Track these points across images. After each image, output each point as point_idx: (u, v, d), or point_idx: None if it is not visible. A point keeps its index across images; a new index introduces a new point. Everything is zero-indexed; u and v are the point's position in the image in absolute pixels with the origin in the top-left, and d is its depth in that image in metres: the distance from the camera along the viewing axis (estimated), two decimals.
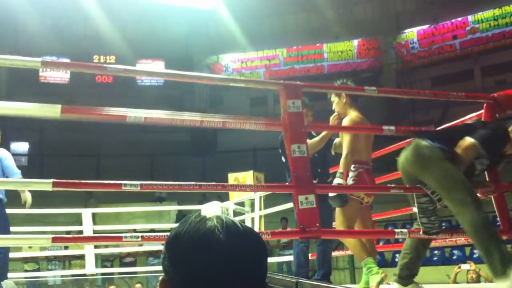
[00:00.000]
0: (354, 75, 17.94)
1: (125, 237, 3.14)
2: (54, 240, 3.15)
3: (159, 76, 3.99)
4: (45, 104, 3.12)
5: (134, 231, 10.50)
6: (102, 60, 17.62)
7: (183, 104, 17.40)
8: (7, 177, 4.96)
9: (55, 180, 2.93)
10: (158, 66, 18.03)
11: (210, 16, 18.29)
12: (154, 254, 10.60)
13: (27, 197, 5.22)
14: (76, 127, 14.14)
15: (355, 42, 18.75)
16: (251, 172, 8.14)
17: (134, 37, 17.59)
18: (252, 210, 6.94)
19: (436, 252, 9.99)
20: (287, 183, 4.18)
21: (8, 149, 17.86)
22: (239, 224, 0.98)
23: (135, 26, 18.07)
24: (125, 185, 3.05)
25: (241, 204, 7.37)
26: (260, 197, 6.40)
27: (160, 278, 0.96)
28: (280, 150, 4.58)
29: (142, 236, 3.11)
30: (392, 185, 3.94)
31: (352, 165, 3.83)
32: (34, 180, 3.12)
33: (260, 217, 6.50)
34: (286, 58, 18.85)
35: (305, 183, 3.12)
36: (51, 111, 3.06)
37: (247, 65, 18.92)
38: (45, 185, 2.96)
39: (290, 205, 5.64)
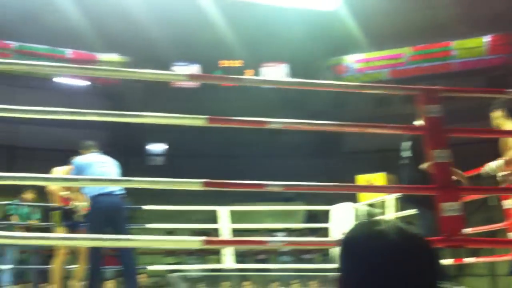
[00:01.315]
0: (485, 73, 16.97)
1: (270, 241, 3.29)
2: (205, 242, 3.38)
3: (295, 86, 4.14)
4: (192, 115, 3.40)
5: (267, 230, 10.88)
6: (228, 65, 18.33)
7: (306, 105, 17.56)
8: None
9: (206, 180, 3.18)
10: (282, 69, 18.38)
11: (332, 17, 18.25)
12: (287, 253, 10.88)
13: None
14: (211, 129, 14.82)
15: (486, 38, 17.73)
16: (382, 174, 8.05)
17: (258, 41, 18.04)
18: (384, 213, 6.90)
19: None
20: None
21: (145, 150, 19.05)
22: (409, 229, 1.04)
23: (259, 30, 18.49)
24: (268, 185, 3.22)
25: (372, 206, 7.35)
26: (395, 199, 6.34)
27: (336, 274, 1.04)
28: (409, 142, 4.50)
29: (285, 242, 3.25)
30: None
31: None
32: (187, 180, 3.33)
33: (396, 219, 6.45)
34: (412, 57, 18.31)
35: (449, 190, 3.11)
36: (199, 121, 3.33)
37: (371, 65, 18.66)
38: (196, 185, 3.23)
39: None
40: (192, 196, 12.72)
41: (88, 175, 4.96)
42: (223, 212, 7.77)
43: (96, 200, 5.16)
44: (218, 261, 10.26)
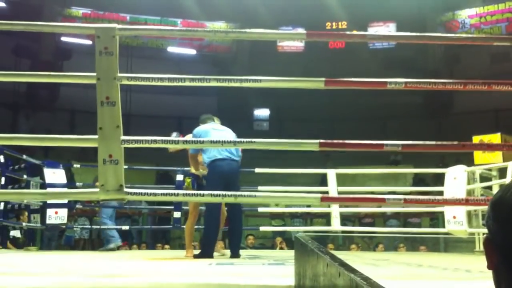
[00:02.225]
0: None
1: (388, 199, 3.29)
2: (322, 199, 3.46)
3: (418, 40, 4.02)
4: (309, 78, 3.44)
5: (372, 193, 10.77)
6: (334, 27, 18.03)
7: (416, 65, 16.91)
8: None
9: (321, 140, 3.18)
10: (390, 28, 17.78)
11: None
12: (394, 216, 10.73)
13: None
14: (313, 92, 14.76)
15: None
16: (498, 134, 7.63)
17: (364, 1, 17.56)
18: (501, 177, 6.58)
19: None
20: None
21: (251, 115, 19.53)
22: None
23: None
24: (387, 145, 3.19)
25: (488, 169, 7.04)
26: None
27: (484, 236, 0.99)
28: None
29: (404, 199, 3.23)
30: None
31: None
32: (303, 141, 3.32)
33: None
34: None
35: None
36: (315, 84, 3.37)
37: (487, 20, 17.45)
38: (312, 145, 3.23)
39: None
40: (303, 160, 12.91)
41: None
42: (331, 175, 7.83)
43: (214, 165, 5.38)
44: (322, 224, 10.41)
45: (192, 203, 5.78)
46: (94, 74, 3.03)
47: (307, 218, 11.64)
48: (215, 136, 5.25)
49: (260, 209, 8.44)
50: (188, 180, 6.01)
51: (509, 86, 3.25)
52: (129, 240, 10.20)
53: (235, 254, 5.47)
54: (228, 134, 5.52)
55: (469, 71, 15.07)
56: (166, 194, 3.13)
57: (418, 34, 3.57)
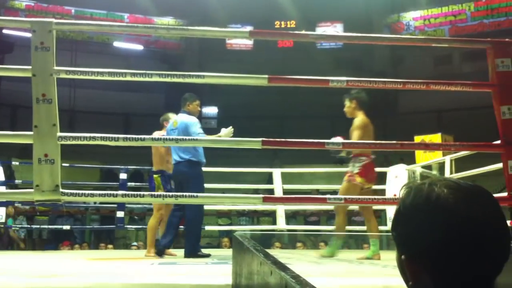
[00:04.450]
0: None
1: (329, 199, 3.33)
2: (265, 199, 3.46)
3: (362, 41, 4.07)
4: (253, 75, 3.44)
5: (317, 191, 10.90)
6: (283, 26, 18.15)
7: (362, 65, 17.24)
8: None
9: (264, 139, 3.16)
10: (337, 28, 18.06)
11: None
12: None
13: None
14: (261, 90, 14.76)
15: None
16: (438, 134, 7.90)
17: (312, 1, 17.76)
18: (441, 174, 6.80)
19: None
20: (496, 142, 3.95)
21: (199, 113, 19.30)
22: (469, 186, 0.88)
23: None
24: (328, 143, 3.24)
25: (428, 168, 7.26)
26: (451, 160, 6.22)
27: (403, 257, 0.88)
28: None
29: (345, 199, 3.29)
30: None
31: (361, 157, 4.80)
32: (246, 139, 3.33)
33: None
34: (474, 13, 17.48)
35: None
36: (259, 81, 3.37)
37: (430, 23, 17.99)
38: (255, 143, 3.20)
39: (484, 169, 5.47)
40: (251, 158, 12.93)
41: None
42: (277, 174, 7.88)
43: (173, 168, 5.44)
44: (268, 222, 10.46)
45: (156, 204, 5.74)
46: (30, 67, 2.93)
47: (253, 217, 11.65)
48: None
49: (206, 207, 8.38)
50: (158, 178, 5.84)
51: (447, 86, 3.35)
52: (72, 240, 9.93)
53: (185, 255, 5.33)
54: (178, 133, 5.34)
55: (414, 73, 15.49)
56: (104, 195, 3.05)
57: (360, 34, 3.64)
